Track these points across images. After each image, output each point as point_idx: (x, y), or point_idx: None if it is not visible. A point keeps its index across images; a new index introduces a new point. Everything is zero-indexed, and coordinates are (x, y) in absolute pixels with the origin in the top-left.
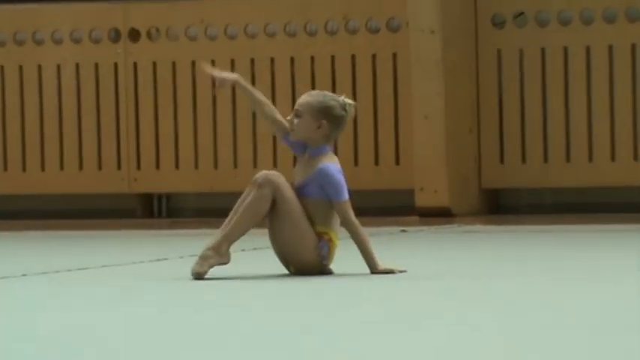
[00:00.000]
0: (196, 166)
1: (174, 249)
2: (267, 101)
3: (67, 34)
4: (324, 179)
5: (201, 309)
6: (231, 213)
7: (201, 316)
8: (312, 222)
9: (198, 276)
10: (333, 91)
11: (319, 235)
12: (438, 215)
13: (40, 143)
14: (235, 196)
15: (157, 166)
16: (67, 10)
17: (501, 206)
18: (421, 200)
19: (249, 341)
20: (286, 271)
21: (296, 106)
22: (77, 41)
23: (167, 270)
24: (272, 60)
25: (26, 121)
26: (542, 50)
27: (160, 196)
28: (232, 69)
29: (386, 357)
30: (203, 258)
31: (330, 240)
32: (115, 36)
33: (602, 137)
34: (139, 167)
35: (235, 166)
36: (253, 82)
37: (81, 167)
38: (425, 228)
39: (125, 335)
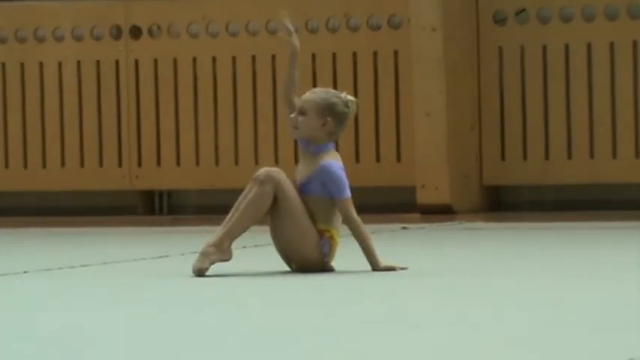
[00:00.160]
0: (197, 163)
1: (176, 246)
2: (297, 87)
3: (69, 32)
4: (326, 176)
5: (202, 306)
6: (233, 210)
7: (202, 314)
8: (313, 219)
9: (200, 273)
10: (335, 88)
11: (321, 233)
12: (440, 212)
13: (42, 140)
14: (236, 192)
15: (158, 163)
16: (69, 7)
17: (502, 203)
18: (422, 197)
19: (250, 340)
20: (287, 268)
21: (302, 104)
22: (78, 38)
23: (168, 267)
24: (273, 57)
25: (27, 118)
26: (544, 47)
27: (161, 193)
28: (233, 66)
29: (386, 356)
30: (204, 255)
31: (332, 237)
32: (117, 33)
33: (604, 134)
34: (140, 164)
35: (236, 163)
36: (254, 79)
37: (82, 164)
38: (426, 225)
39: (126, 334)
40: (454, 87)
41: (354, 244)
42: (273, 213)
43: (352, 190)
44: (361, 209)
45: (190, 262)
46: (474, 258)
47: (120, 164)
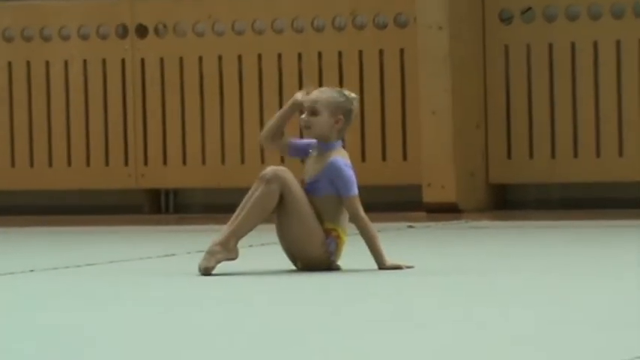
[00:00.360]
0: (203, 162)
1: (182, 244)
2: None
3: (75, 30)
4: (334, 173)
5: (209, 305)
6: (239, 209)
7: (208, 313)
8: (320, 219)
9: (206, 271)
10: (341, 87)
11: (327, 232)
12: (446, 211)
13: (48, 139)
14: (242, 191)
15: (165, 162)
16: (75, 6)
17: (508, 202)
18: (428, 196)
19: (256, 338)
20: (293, 267)
21: (311, 104)
22: (85, 37)
23: (174, 266)
24: (279, 56)
25: (34, 117)
26: (550, 46)
27: (167, 192)
28: (239, 65)
29: (392, 354)
30: (211, 253)
31: (338, 237)
32: (123, 32)
33: (610, 132)
34: (146, 163)
35: (242, 161)
36: (261, 78)
37: (88, 163)
38: (432, 224)
39: (132, 332)
40: (460, 85)
41: (360, 243)
42: (279, 212)
43: (358, 188)
44: (367, 208)
45: (196, 260)
46: (480, 256)
47: (126, 163)
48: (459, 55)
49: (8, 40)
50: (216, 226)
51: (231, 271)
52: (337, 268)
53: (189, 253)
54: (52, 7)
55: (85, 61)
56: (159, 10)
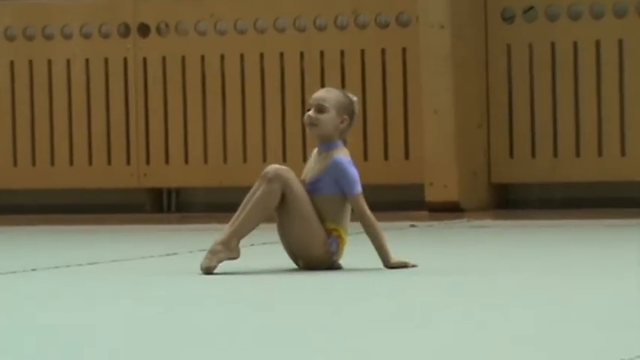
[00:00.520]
0: (206, 161)
1: (184, 244)
2: None
3: (77, 29)
4: (339, 172)
5: (210, 304)
6: (241, 207)
7: (209, 312)
8: (322, 219)
9: (208, 270)
10: (343, 86)
11: (329, 232)
12: (448, 210)
13: (50, 138)
14: (244, 190)
15: (167, 161)
16: (77, 4)
17: (511, 201)
18: (430, 195)
19: (257, 337)
20: (295, 266)
21: (318, 102)
22: (87, 36)
23: (176, 265)
24: (281, 55)
25: (36, 116)
26: (552, 45)
27: (169, 191)
28: (242, 64)
29: (393, 354)
30: (212, 253)
31: (340, 237)
32: (125, 31)
33: (612, 132)
34: (148, 162)
35: (245, 160)
36: (262, 77)
37: (90, 162)
38: (434, 223)
39: (133, 331)
40: (462, 84)
41: (361, 242)
42: (280, 211)
43: (362, 187)
44: (369, 207)
45: (198, 259)
46: (482, 256)
47: (128, 162)
48: (461, 54)
49: (10, 38)
50: (218, 225)
51: (233, 270)
52: (338, 267)
53: (191, 252)
54: (55, 6)
55: (87, 60)
56: (161, 9)
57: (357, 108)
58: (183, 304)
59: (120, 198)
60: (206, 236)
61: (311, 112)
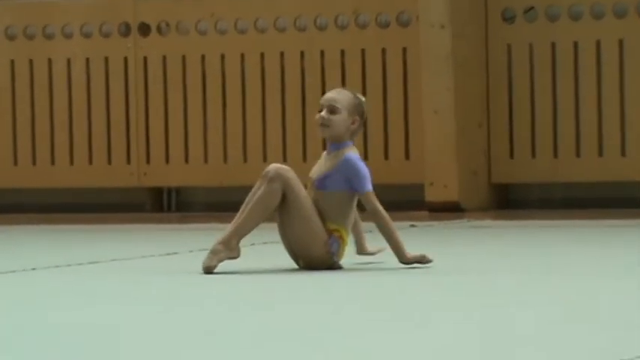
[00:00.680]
0: (206, 161)
1: (184, 243)
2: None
3: (77, 29)
4: (350, 169)
5: (210, 304)
6: (242, 207)
7: (209, 312)
8: (324, 218)
9: (208, 270)
10: (343, 86)
11: (330, 232)
12: (448, 210)
13: (50, 137)
14: (245, 190)
15: (167, 161)
16: (77, 4)
17: (511, 201)
18: (431, 195)
19: (257, 337)
20: (295, 266)
21: (330, 103)
22: (87, 35)
23: (177, 264)
24: (282, 54)
25: (36, 115)
26: (553, 45)
27: (169, 190)
28: (242, 63)
29: (393, 354)
30: (213, 252)
31: (341, 237)
32: (125, 30)
33: (613, 132)
34: (148, 161)
35: (245, 160)
36: (263, 77)
37: (90, 161)
38: (434, 223)
39: (133, 331)
40: (463, 84)
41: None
42: (281, 211)
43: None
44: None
45: (199, 259)
46: (482, 256)
47: (128, 161)
48: (461, 54)
49: (11, 38)
50: (219, 225)
51: (233, 269)
52: (339, 267)
53: (191, 251)
54: (55, 5)
55: (87, 60)
56: (161, 8)
57: (365, 109)
58: (183, 303)
59: (120, 197)
60: (206, 236)
61: (323, 113)
